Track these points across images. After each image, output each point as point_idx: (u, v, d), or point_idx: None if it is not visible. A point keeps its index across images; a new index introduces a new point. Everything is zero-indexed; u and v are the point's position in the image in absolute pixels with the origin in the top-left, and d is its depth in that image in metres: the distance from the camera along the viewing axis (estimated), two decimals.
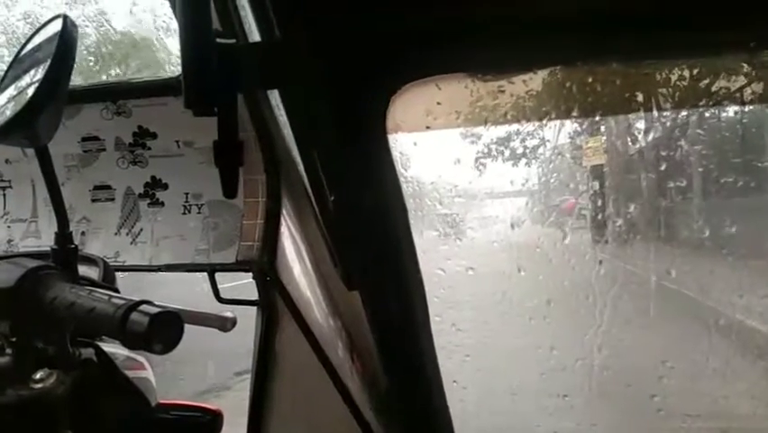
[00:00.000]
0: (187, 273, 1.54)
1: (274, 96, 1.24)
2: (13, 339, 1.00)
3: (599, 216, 5.89)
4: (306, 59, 0.86)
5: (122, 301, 0.88)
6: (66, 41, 0.95)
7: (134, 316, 0.86)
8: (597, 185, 5.92)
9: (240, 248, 1.48)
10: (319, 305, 1.50)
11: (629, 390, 3.34)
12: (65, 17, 0.97)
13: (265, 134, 1.38)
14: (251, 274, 1.48)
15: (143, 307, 0.87)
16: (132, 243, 1.57)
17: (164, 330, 0.87)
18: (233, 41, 0.87)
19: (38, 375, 1.00)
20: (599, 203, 5.96)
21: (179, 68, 1.47)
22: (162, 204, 1.56)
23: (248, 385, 1.51)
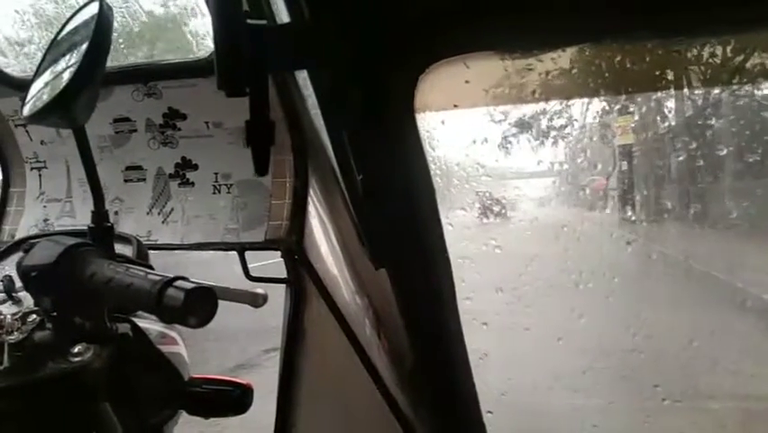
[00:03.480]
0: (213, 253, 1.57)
1: (302, 77, 1.24)
2: (54, 314, 1.03)
3: (628, 196, 5.82)
4: (334, 40, 0.87)
5: (158, 277, 0.90)
6: (102, 24, 0.97)
7: (170, 291, 0.88)
8: (625, 164, 5.84)
9: (268, 227, 1.50)
10: (346, 283, 1.51)
11: (653, 371, 3.32)
12: (101, 0, 0.98)
13: (293, 115, 1.39)
14: (279, 253, 1.50)
15: (179, 282, 0.89)
16: (163, 222, 1.60)
17: (199, 305, 0.89)
18: (264, 22, 0.88)
19: (76, 349, 1.02)
20: (627, 183, 5.88)
21: (207, 50, 1.50)
22: (193, 184, 1.59)
23: (275, 362, 1.54)
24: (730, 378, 3.33)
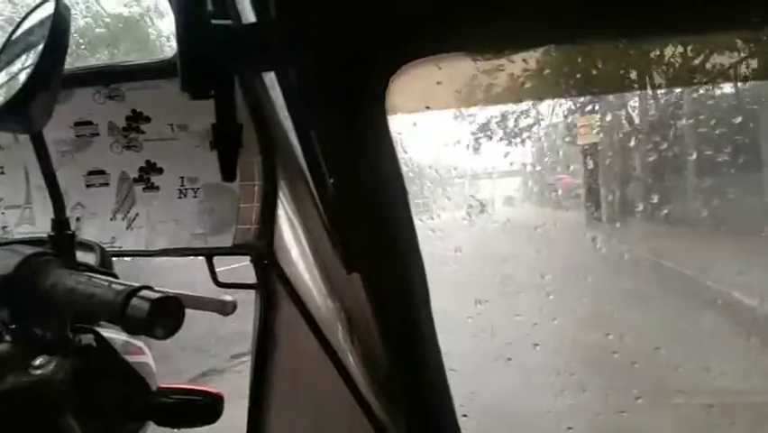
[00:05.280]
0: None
1: (269, 78, 1.22)
2: (12, 326, 0.99)
3: (594, 195, 5.92)
4: (303, 40, 0.85)
5: (121, 287, 0.88)
6: (59, 24, 0.93)
7: (135, 301, 0.86)
8: (591, 164, 5.94)
9: (237, 232, 1.47)
10: (318, 288, 1.49)
11: (618, 364, 3.37)
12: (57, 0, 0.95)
13: (260, 117, 1.37)
14: (248, 258, 1.47)
15: (143, 292, 0.87)
16: (128, 228, 1.56)
17: (165, 315, 0.87)
18: (229, 22, 0.85)
19: (37, 362, 0.99)
20: (593, 181, 5.98)
21: (172, 50, 1.47)
22: (158, 188, 1.55)
23: (243, 368, 1.51)
24: (702, 375, 3.39)
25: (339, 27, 0.86)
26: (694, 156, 5.12)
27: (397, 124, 0.97)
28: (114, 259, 1.38)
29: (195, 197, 1.53)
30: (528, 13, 0.87)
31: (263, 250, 1.43)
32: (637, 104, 6.11)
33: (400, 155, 1.02)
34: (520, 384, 3.55)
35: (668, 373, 3.19)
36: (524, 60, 1.00)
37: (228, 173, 0.90)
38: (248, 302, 1.52)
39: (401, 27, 0.87)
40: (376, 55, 0.89)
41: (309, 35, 0.84)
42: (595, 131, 5.65)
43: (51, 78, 0.94)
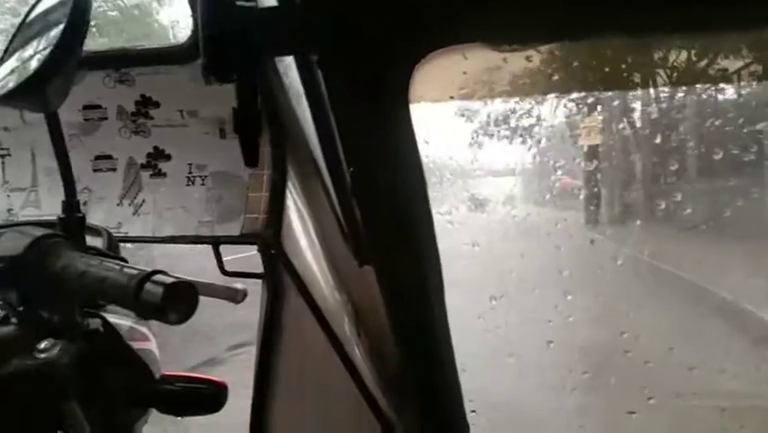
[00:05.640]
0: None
1: (283, 64, 1.21)
2: (20, 308, 0.98)
3: (594, 196, 5.93)
4: (328, 25, 0.83)
5: (135, 271, 0.87)
6: (80, 4, 0.92)
7: (148, 286, 0.84)
8: (592, 164, 5.94)
9: (245, 221, 1.46)
10: (325, 279, 1.48)
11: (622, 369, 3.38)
12: None
13: (271, 105, 1.35)
14: (255, 247, 1.46)
15: (157, 277, 0.85)
16: (134, 213, 1.55)
17: (178, 301, 0.86)
18: (253, 4, 0.84)
19: (42, 345, 0.98)
20: (594, 182, 5.99)
21: (179, 37, 1.45)
22: (165, 175, 1.54)
23: (242, 359, 1.51)
24: (706, 377, 3.40)
25: (365, 13, 0.85)
26: (694, 160, 5.12)
27: (419, 114, 0.96)
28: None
29: (203, 184, 1.51)
30: (557, 5, 0.86)
31: (271, 240, 1.42)
32: (639, 106, 6.12)
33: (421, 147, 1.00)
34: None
35: (672, 374, 3.19)
36: (550, 53, 0.99)
37: (250, 158, 0.89)
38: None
39: (427, 15, 0.86)
40: (401, 43, 0.87)
41: (334, 20, 0.83)
42: (597, 132, 5.65)
43: (70, 58, 0.93)
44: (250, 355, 1.54)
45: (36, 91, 0.93)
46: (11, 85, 0.95)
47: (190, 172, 1.53)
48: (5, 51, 1.02)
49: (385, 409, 1.36)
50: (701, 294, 4.53)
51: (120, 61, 1.46)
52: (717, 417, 3.09)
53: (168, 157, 1.53)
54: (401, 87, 0.90)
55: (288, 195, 1.44)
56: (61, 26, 0.91)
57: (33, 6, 1.02)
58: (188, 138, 1.49)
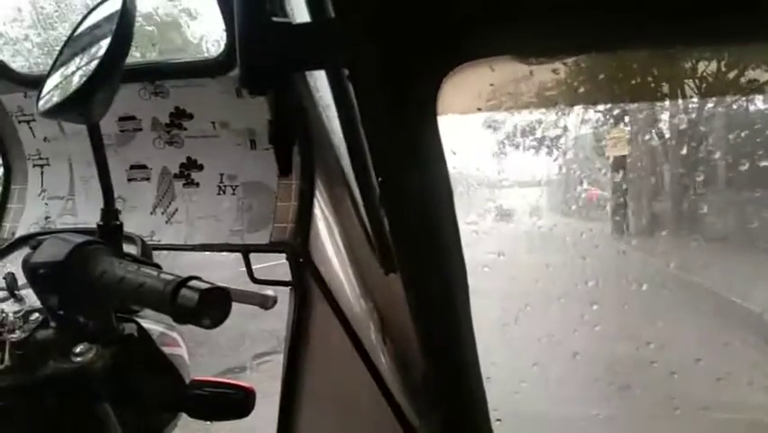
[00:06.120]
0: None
1: (312, 77, 1.23)
2: (60, 312, 1.01)
3: (620, 207, 5.86)
4: (360, 38, 0.86)
5: (171, 277, 0.89)
6: (126, 19, 0.96)
7: (184, 291, 0.87)
8: (619, 175, 5.88)
9: (273, 229, 1.48)
10: (351, 287, 1.50)
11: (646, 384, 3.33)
12: None
13: (302, 116, 1.38)
14: (284, 255, 1.48)
15: (193, 282, 0.88)
16: (167, 222, 1.58)
17: (213, 306, 0.88)
18: (289, 20, 0.86)
19: (78, 349, 1.01)
20: (621, 193, 5.92)
21: (216, 50, 1.49)
22: (197, 184, 1.57)
23: (266, 367, 1.53)
24: (733, 389, 3.34)
25: (395, 28, 0.87)
26: (724, 171, 5.04)
27: (446, 125, 0.98)
28: None
29: (233, 194, 1.54)
30: (583, 18, 0.87)
31: (299, 248, 1.44)
32: (667, 117, 6.05)
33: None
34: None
35: (697, 385, 3.14)
36: (576, 64, 1.00)
37: (285, 167, 0.91)
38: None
39: (456, 30, 0.88)
40: (430, 57, 0.89)
41: (366, 35, 0.85)
42: (624, 143, 5.60)
43: (115, 72, 0.97)
44: (275, 364, 1.56)
45: (82, 104, 0.97)
46: (57, 98, 0.99)
47: (221, 182, 1.56)
48: (53, 66, 1.06)
49: (410, 416, 1.37)
50: (728, 306, 4.45)
51: (155, 74, 1.50)
52: (744, 430, 3.03)
53: (200, 167, 1.57)
54: (429, 100, 0.92)
55: (316, 204, 1.46)
56: (107, 41, 0.95)
57: (81, 22, 1.06)
58: (220, 149, 1.52)
